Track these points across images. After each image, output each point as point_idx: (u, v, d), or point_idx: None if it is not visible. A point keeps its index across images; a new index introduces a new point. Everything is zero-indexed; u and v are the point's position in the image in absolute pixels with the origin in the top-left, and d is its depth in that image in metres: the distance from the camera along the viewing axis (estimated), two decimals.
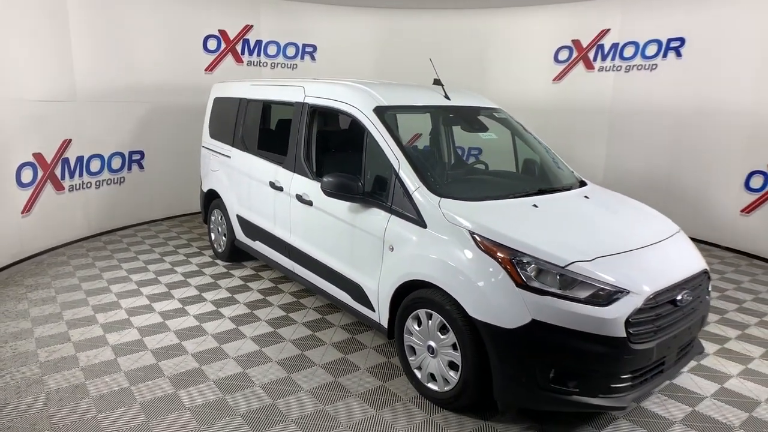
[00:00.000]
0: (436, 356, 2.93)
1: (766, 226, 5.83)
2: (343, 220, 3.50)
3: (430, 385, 2.99)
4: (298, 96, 4.14)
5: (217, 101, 5.49)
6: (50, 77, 5.51)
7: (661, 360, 2.74)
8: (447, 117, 4.07)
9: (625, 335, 2.47)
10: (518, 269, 2.57)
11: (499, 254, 2.63)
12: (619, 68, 7.21)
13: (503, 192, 3.32)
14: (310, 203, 3.82)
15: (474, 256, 2.70)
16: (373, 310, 3.37)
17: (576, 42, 7.58)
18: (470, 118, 3.95)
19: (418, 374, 3.06)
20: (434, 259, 2.86)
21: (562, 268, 2.54)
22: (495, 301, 2.58)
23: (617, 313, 2.46)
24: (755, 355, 3.68)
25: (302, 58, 8.22)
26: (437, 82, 4.50)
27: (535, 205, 3.10)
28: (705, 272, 3.00)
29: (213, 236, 5.58)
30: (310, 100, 4.02)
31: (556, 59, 7.80)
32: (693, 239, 6.56)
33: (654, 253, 2.83)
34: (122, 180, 6.63)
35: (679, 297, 2.70)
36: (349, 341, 3.77)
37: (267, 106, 4.73)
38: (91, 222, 6.28)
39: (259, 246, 4.68)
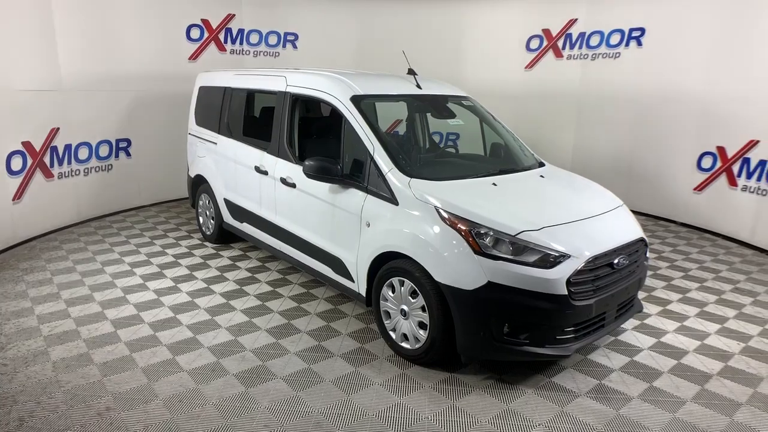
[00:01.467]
0: (407, 318, 3.31)
1: (715, 202, 6.34)
2: (324, 200, 3.84)
3: (404, 344, 3.37)
4: (280, 85, 4.43)
5: (203, 90, 5.73)
6: (35, 67, 5.67)
7: (601, 315, 3.17)
8: (419, 105, 4.41)
9: (566, 293, 2.88)
10: (476, 239, 2.95)
11: (460, 226, 3.01)
12: (585, 56, 7.62)
13: (467, 172, 3.70)
14: (293, 186, 4.14)
15: (440, 229, 3.07)
16: (353, 281, 3.73)
17: (546, 31, 7.95)
18: (439, 105, 4.30)
19: (393, 335, 3.45)
20: (406, 233, 3.22)
21: (513, 236, 2.93)
22: (457, 267, 2.97)
23: (560, 274, 2.87)
24: (691, 314, 4.16)
25: (284, 46, 8.43)
26: (411, 71, 4.83)
27: (494, 184, 3.48)
28: (641, 240, 3.42)
29: (201, 219, 5.87)
30: (291, 90, 4.31)
31: (527, 48, 8.17)
32: (652, 216, 7.17)
33: (595, 223, 3.24)
34: (110, 167, 6.83)
35: (615, 261, 3.12)
36: (332, 311, 4.13)
37: (251, 94, 5.00)
38: (81, 208, 6.50)
39: (246, 227, 4.99)
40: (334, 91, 3.89)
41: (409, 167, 3.47)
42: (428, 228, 3.12)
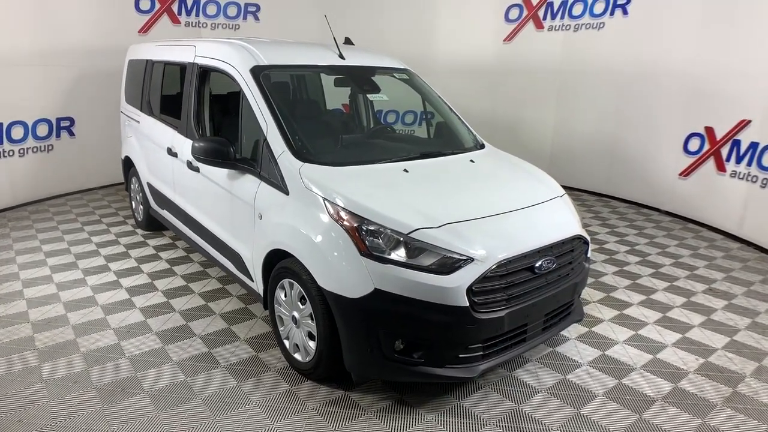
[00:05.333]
0: (299, 327, 2.84)
1: (701, 189, 5.72)
2: (223, 187, 3.36)
3: (296, 356, 2.91)
4: (189, 56, 3.92)
5: (131, 64, 5.25)
6: None
7: (522, 328, 2.66)
8: (340, 78, 3.84)
9: (467, 304, 2.37)
10: (363, 237, 2.45)
11: (345, 222, 2.50)
12: (568, 27, 6.93)
13: (379, 156, 3.17)
14: (197, 170, 3.66)
15: (324, 224, 2.58)
16: (252, 280, 3.27)
17: None
18: (362, 78, 3.75)
19: (287, 344, 2.99)
20: (291, 228, 2.73)
21: (406, 235, 2.42)
22: (341, 270, 2.47)
23: (459, 281, 2.36)
24: (650, 320, 3.62)
25: (245, 18, 7.87)
26: (348, 41, 4.29)
27: (405, 170, 2.95)
28: (578, 238, 2.88)
29: (133, 204, 5.44)
30: (199, 61, 3.80)
31: (506, 18, 7.49)
32: (635, 203, 6.55)
33: (517, 219, 2.71)
34: (50, 148, 6.41)
35: (538, 264, 2.59)
36: (241, 311, 3.68)
37: (167, 68, 4.49)
38: (16, 192, 6.10)
39: (166, 215, 4.54)
40: (234, 60, 3.37)
41: (305, 150, 2.95)
42: (313, 223, 2.62)
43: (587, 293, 4.01)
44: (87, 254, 4.69)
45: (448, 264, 2.39)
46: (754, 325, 3.62)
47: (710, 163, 5.57)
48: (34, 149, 6.23)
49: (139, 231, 5.31)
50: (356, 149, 3.46)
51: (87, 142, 6.75)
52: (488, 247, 2.45)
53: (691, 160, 5.78)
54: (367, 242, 2.44)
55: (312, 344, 2.75)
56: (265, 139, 3.00)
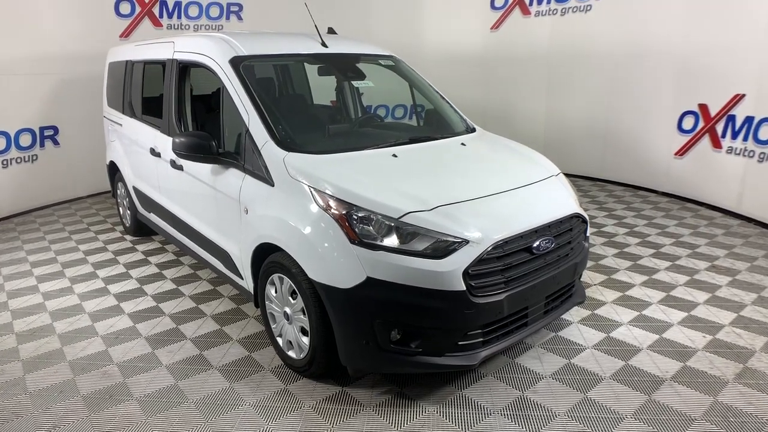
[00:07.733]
0: (291, 323, 2.74)
1: (697, 168, 5.64)
2: (207, 184, 3.25)
3: (290, 353, 2.81)
4: (168, 53, 3.80)
5: (111, 66, 5.13)
6: None
7: (522, 312, 2.56)
8: (324, 67, 3.73)
9: (464, 288, 2.27)
10: (353, 224, 2.34)
11: (334, 210, 2.40)
12: (554, 12, 6.85)
13: (364, 143, 3.06)
14: (181, 168, 3.54)
15: (312, 213, 2.47)
16: (242, 278, 3.16)
17: None
18: (346, 66, 3.64)
19: (280, 342, 2.88)
20: (278, 220, 2.63)
21: (397, 219, 2.32)
22: (331, 261, 2.37)
23: (454, 265, 2.26)
24: (654, 300, 3.53)
25: (228, 18, 7.74)
26: (331, 31, 4.20)
27: (394, 155, 2.85)
28: (577, 217, 2.79)
29: (121, 210, 5.32)
30: (178, 56, 3.69)
31: (492, 6, 7.41)
32: (631, 186, 6.46)
33: (512, 199, 2.61)
34: (34, 158, 6.27)
35: (535, 244, 2.50)
36: (233, 311, 3.57)
37: (147, 67, 4.38)
38: (1, 204, 5.97)
39: (153, 218, 4.42)
40: (213, 52, 3.26)
41: (289, 139, 2.85)
42: (300, 212, 2.52)
43: (588, 276, 3.92)
44: (74, 262, 4.56)
45: (442, 247, 2.29)
46: (760, 299, 3.53)
47: (705, 141, 5.49)
48: (18, 160, 6.09)
49: (128, 237, 5.19)
50: (343, 137, 3.36)
51: (72, 151, 6.61)
52: (483, 229, 2.35)
53: (686, 138, 5.70)
54: (357, 230, 2.34)
55: (305, 340, 2.65)
56: (248, 131, 2.89)
